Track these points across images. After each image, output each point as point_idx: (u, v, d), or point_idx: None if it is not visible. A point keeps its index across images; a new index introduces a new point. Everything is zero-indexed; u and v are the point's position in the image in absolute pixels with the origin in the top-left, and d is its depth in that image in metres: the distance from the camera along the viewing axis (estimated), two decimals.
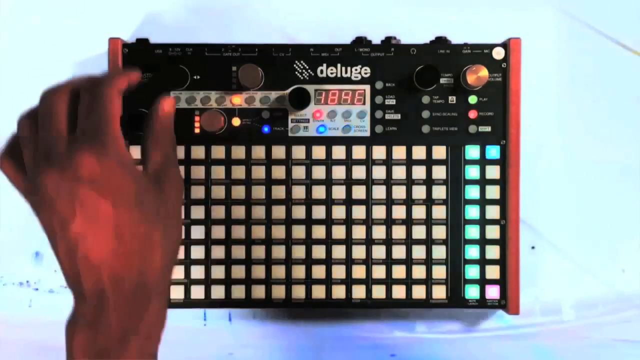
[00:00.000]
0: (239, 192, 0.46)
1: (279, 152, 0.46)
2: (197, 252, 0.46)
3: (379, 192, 0.46)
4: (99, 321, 0.33)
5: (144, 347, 0.34)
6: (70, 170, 0.32)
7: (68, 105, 0.35)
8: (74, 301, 0.34)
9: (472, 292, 0.46)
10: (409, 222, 0.46)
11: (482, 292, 0.46)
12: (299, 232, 0.46)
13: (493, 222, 0.46)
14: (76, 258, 0.32)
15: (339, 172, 0.46)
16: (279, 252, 0.46)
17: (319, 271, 0.46)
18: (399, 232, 0.46)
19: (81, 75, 0.37)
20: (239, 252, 0.46)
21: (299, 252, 0.46)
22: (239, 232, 0.46)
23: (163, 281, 0.36)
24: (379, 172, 0.46)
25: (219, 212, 0.46)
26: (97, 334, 0.33)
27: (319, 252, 0.46)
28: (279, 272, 0.46)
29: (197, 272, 0.46)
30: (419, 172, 0.46)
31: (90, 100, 0.35)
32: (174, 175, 0.38)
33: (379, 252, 0.46)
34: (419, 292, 0.46)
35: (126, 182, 0.34)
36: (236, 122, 0.45)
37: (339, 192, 0.46)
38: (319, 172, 0.46)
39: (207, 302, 0.46)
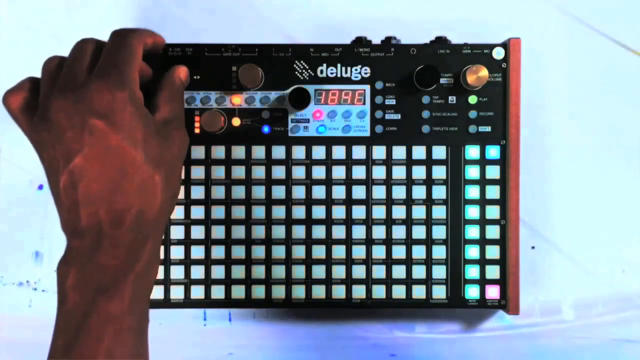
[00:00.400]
0: (239, 192, 0.46)
1: (279, 152, 0.45)
2: (197, 252, 0.46)
3: (379, 192, 0.46)
4: (94, 258, 0.32)
5: (138, 289, 0.34)
6: (85, 101, 0.33)
7: (95, 51, 0.37)
8: (68, 240, 0.33)
9: (472, 292, 0.46)
10: (409, 222, 0.46)
11: (482, 292, 0.46)
12: (299, 232, 0.46)
13: (493, 222, 0.46)
14: (77, 190, 0.32)
15: (339, 172, 0.46)
16: (279, 252, 0.46)
17: (319, 271, 0.46)
18: (399, 232, 0.46)
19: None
20: (239, 252, 0.46)
21: (299, 252, 0.46)
22: (239, 232, 0.46)
23: (161, 223, 0.37)
24: (379, 172, 0.46)
25: (219, 212, 0.46)
26: (90, 273, 0.32)
27: (319, 252, 0.46)
28: (279, 272, 0.46)
29: (197, 272, 0.45)
30: (419, 172, 0.46)
31: (114, 43, 0.36)
32: (180, 129, 0.40)
33: (379, 252, 0.46)
34: (419, 292, 0.46)
35: (136, 121, 0.34)
36: (236, 122, 0.45)
37: (339, 192, 0.46)
38: (319, 172, 0.46)
39: (207, 302, 0.46)
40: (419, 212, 0.46)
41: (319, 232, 0.46)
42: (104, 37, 0.39)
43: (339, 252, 0.46)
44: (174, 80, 0.41)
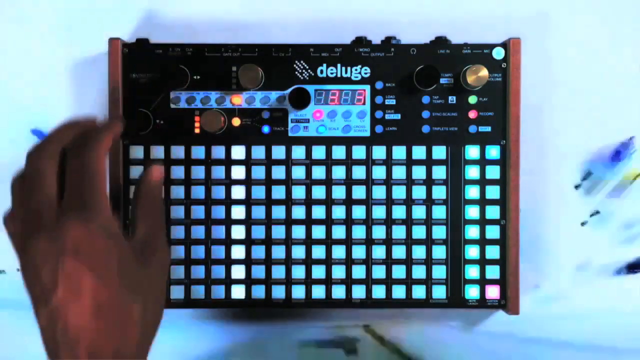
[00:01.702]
0: (238, 192, 0.45)
1: (279, 152, 0.45)
2: (197, 252, 0.46)
3: (379, 192, 0.46)
4: None
5: None
6: (57, 240, 0.32)
7: (56, 167, 0.35)
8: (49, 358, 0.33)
9: (472, 292, 0.46)
10: (409, 222, 0.46)
11: (482, 292, 0.46)
12: (298, 232, 0.45)
13: (493, 222, 0.46)
14: (56, 328, 0.32)
15: (339, 172, 0.45)
16: (279, 252, 0.46)
17: (318, 271, 0.46)
18: (399, 232, 0.46)
19: (64, 126, 0.37)
20: (238, 252, 0.46)
21: (298, 252, 0.46)
22: (238, 232, 0.45)
23: (143, 350, 0.36)
24: (379, 172, 0.45)
25: (219, 212, 0.45)
26: None
27: (318, 252, 0.46)
28: (278, 272, 0.46)
29: (197, 272, 0.45)
30: (419, 172, 0.45)
31: (78, 166, 0.35)
32: (160, 247, 0.38)
33: (379, 252, 0.46)
34: (419, 292, 0.46)
35: (111, 255, 0.34)
36: (236, 122, 0.45)
37: (339, 192, 0.46)
38: (319, 172, 0.45)
39: (207, 302, 0.46)
40: (419, 212, 0.46)
41: (318, 232, 0.45)
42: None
43: (338, 252, 0.46)
44: (148, 187, 0.39)
